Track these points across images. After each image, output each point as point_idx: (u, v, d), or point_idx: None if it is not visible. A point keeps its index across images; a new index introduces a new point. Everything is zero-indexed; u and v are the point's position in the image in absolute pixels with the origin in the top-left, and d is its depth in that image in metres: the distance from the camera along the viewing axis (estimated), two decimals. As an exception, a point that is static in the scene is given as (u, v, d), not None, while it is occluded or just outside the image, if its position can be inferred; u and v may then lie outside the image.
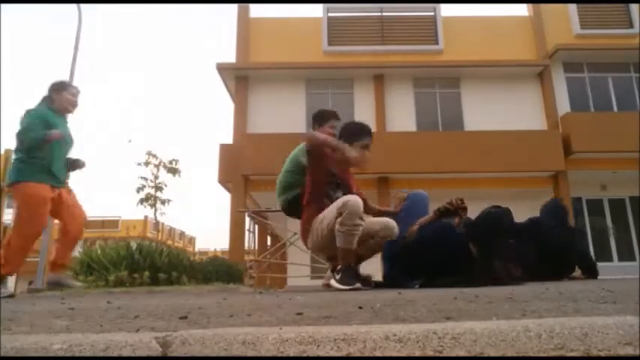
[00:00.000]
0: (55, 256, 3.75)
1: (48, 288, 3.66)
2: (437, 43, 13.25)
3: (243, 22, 13.35)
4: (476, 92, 12.67)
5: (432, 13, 13.61)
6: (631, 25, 13.28)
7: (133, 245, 5.79)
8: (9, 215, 26.81)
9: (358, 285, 2.88)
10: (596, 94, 12.86)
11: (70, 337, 0.76)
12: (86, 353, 0.70)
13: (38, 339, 0.75)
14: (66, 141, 3.77)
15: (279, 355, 0.70)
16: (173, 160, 11.35)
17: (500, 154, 10.99)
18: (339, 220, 2.91)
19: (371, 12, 13.70)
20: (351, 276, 2.91)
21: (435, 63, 12.82)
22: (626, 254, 11.96)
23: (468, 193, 11.92)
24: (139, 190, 11.02)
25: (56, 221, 3.68)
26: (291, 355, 0.70)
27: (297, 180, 3.74)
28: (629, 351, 0.69)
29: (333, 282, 2.99)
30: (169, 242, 29.04)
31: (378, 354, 0.69)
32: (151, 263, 5.43)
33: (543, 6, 13.44)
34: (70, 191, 3.87)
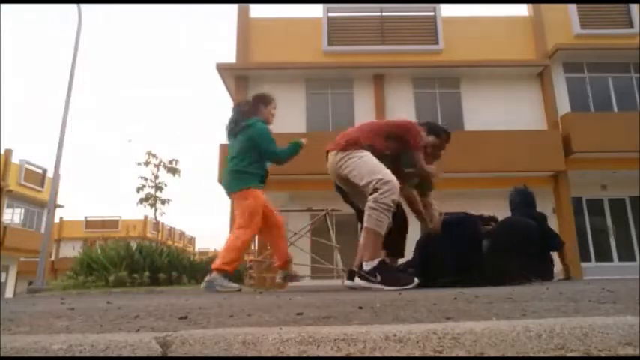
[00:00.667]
0: (283, 252, 3.89)
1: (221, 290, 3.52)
2: (437, 43, 13.25)
3: (243, 22, 13.35)
4: (476, 92, 12.67)
5: (432, 13, 13.61)
6: (631, 25, 13.28)
7: (133, 245, 5.80)
8: (9, 215, 26.67)
9: (416, 281, 2.68)
10: (596, 94, 12.86)
11: (70, 337, 0.76)
12: (86, 353, 0.70)
13: (38, 339, 0.75)
14: None
15: (279, 355, 0.70)
16: (173, 160, 11.39)
17: (500, 154, 10.99)
18: (373, 196, 2.78)
19: (371, 12, 13.70)
20: (392, 270, 2.72)
21: (435, 63, 12.82)
22: (626, 254, 11.95)
23: (468, 193, 11.96)
24: (139, 190, 11.05)
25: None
26: (291, 355, 0.70)
27: None
28: (629, 351, 0.69)
29: (360, 281, 2.71)
30: (169, 242, 29.04)
31: (378, 354, 0.69)
32: (151, 263, 5.44)
33: (543, 6, 13.44)
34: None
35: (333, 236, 5.75)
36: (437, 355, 0.69)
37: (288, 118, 12.42)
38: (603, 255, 11.81)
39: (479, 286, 2.58)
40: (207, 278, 3.47)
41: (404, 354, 0.69)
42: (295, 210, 8.73)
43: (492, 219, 3.67)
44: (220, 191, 13.22)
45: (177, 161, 11.40)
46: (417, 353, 0.69)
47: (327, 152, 3.34)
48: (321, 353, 0.70)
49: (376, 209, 2.75)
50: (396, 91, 12.70)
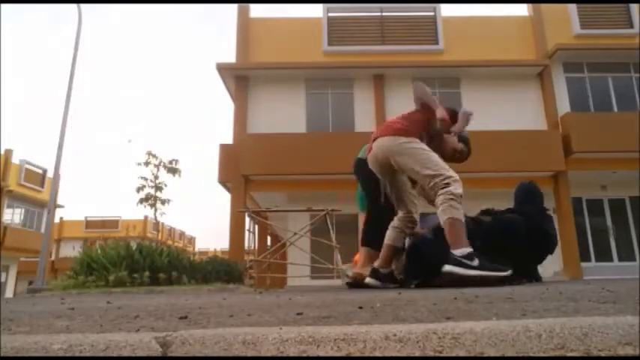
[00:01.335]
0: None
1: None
2: (437, 43, 13.25)
3: (243, 22, 13.35)
4: (476, 92, 12.67)
5: (432, 13, 13.61)
6: (631, 25, 13.28)
7: (133, 245, 5.79)
8: (9, 215, 26.66)
9: (509, 271, 2.62)
10: (596, 94, 12.86)
11: (70, 337, 0.76)
12: (86, 353, 0.70)
13: (38, 339, 0.75)
14: None
15: (279, 355, 0.70)
16: (173, 160, 11.37)
17: (500, 154, 10.98)
18: (448, 189, 2.83)
19: (371, 12, 13.70)
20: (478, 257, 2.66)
21: (435, 63, 12.82)
22: (626, 254, 11.95)
23: (468, 193, 11.93)
24: (139, 190, 11.04)
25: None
26: (291, 355, 0.70)
27: None
28: (629, 351, 0.69)
29: (455, 268, 2.59)
30: (169, 242, 29.04)
31: (378, 354, 0.69)
32: (151, 263, 5.44)
33: (543, 6, 13.44)
34: None
35: (333, 236, 5.76)
36: (437, 355, 0.69)
37: (288, 118, 12.44)
38: (603, 255, 11.81)
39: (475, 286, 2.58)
40: None
41: (404, 354, 0.69)
42: (295, 210, 8.74)
43: (487, 212, 3.61)
44: (221, 191, 13.16)
45: (177, 161, 11.39)
46: (417, 353, 0.69)
47: (374, 139, 3.29)
48: (321, 353, 0.70)
49: (455, 199, 2.82)
50: (396, 91, 12.69)
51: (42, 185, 26.16)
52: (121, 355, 0.70)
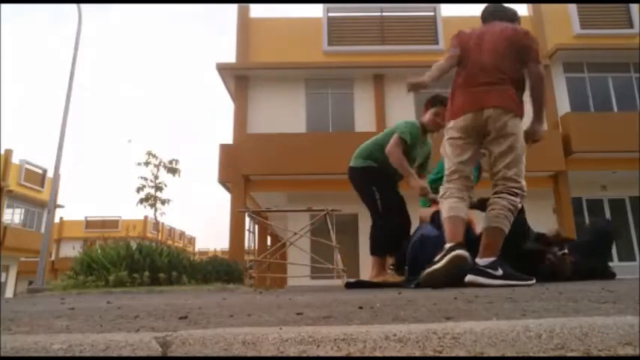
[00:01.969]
0: None
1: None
2: (437, 43, 13.24)
3: (243, 22, 13.36)
4: (476, 92, 12.65)
5: (432, 13, 13.61)
6: (631, 25, 13.28)
7: (133, 245, 5.80)
8: (9, 215, 26.66)
9: (534, 280, 2.54)
10: (596, 94, 12.86)
11: (70, 337, 0.76)
12: (86, 353, 0.70)
13: (38, 339, 0.75)
14: None
15: (279, 355, 0.70)
16: (173, 160, 11.38)
17: (500, 154, 10.97)
18: (514, 199, 2.70)
19: (371, 12, 13.70)
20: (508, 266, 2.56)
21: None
22: (626, 254, 11.95)
23: (468, 193, 11.92)
24: (138, 190, 11.05)
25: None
26: (291, 355, 0.70)
27: (376, 156, 3.84)
28: (629, 351, 0.69)
29: (476, 277, 2.46)
30: (169, 242, 29.04)
31: (378, 354, 0.69)
32: (150, 263, 5.44)
33: (543, 6, 13.43)
34: None
35: (333, 236, 5.75)
36: (437, 355, 0.69)
37: (288, 118, 12.43)
38: (603, 255, 11.80)
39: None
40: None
41: (404, 354, 0.69)
42: (295, 210, 8.73)
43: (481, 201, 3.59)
44: (220, 191, 13.16)
45: (177, 161, 11.40)
46: (417, 353, 0.69)
47: (482, 107, 2.78)
48: (321, 353, 0.70)
49: (513, 213, 2.68)
50: (396, 91, 12.69)
51: (42, 185, 26.17)
52: (121, 355, 0.70)
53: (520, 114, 2.92)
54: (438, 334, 0.71)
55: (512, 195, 2.73)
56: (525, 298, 1.47)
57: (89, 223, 37.01)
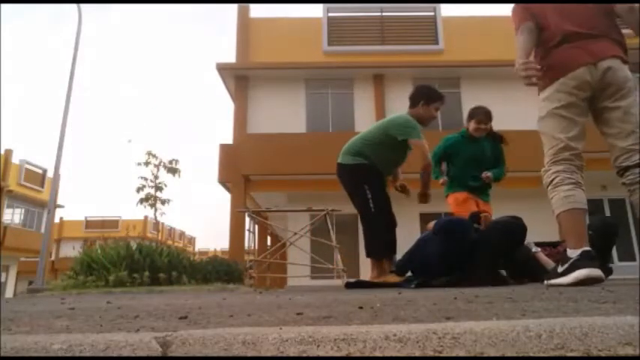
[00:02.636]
0: None
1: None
2: (437, 43, 13.25)
3: (243, 22, 13.36)
4: (476, 92, 12.65)
5: (432, 13, 13.61)
6: (631, 25, 13.27)
7: (133, 245, 5.80)
8: (9, 215, 26.67)
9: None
10: (596, 94, 12.85)
11: (70, 337, 0.76)
12: (86, 353, 0.70)
13: (38, 339, 0.75)
14: None
15: (279, 355, 0.70)
16: (173, 160, 11.39)
17: (500, 154, 10.99)
18: (560, 178, 2.27)
19: (371, 12, 13.71)
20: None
21: (435, 63, 12.81)
22: (626, 254, 11.95)
23: (468, 193, 11.94)
24: (139, 190, 11.06)
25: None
26: (291, 355, 0.70)
27: (366, 153, 3.80)
28: (629, 351, 0.69)
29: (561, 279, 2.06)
30: (169, 242, 29.04)
31: (378, 354, 0.69)
32: (150, 263, 5.44)
33: (543, 6, 13.43)
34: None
35: (333, 236, 5.75)
36: (437, 355, 0.69)
37: (288, 118, 12.43)
38: (603, 255, 11.80)
39: (472, 286, 2.60)
40: None
41: (404, 354, 0.69)
42: (295, 210, 8.73)
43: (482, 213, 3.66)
44: (220, 191, 13.16)
45: (177, 161, 11.41)
46: (417, 353, 0.69)
47: (598, 61, 2.33)
48: (321, 353, 0.70)
49: None
50: (396, 91, 12.68)
51: (42, 185, 26.17)
52: (121, 355, 0.70)
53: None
54: (438, 334, 0.71)
55: (624, 173, 2.34)
56: (525, 298, 1.47)
57: (89, 223, 37.02)
